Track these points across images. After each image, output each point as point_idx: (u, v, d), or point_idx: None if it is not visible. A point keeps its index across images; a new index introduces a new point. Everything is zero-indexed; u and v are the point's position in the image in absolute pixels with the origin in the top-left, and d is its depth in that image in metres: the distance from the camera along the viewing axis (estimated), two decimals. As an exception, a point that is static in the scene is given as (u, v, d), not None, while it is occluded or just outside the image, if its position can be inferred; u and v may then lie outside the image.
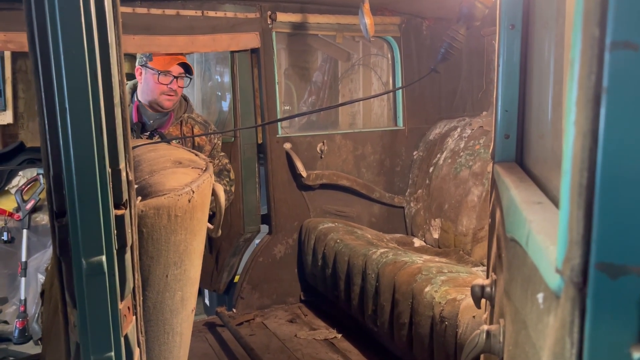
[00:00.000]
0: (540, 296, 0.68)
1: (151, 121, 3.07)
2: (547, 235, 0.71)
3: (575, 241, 0.53)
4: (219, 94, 4.50)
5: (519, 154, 1.33)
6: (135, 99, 3.10)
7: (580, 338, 0.53)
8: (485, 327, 1.05)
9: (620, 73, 0.49)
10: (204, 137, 3.22)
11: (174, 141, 3.04)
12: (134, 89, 3.14)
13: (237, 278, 3.63)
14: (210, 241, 3.49)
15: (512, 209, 0.99)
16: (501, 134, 1.34)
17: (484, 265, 2.94)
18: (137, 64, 3.09)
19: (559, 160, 1.00)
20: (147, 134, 3.06)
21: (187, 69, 3.07)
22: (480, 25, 2.97)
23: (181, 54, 3.09)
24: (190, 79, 3.14)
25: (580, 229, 0.52)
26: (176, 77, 3.02)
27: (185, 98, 3.26)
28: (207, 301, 4.41)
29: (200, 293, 4.39)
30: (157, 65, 2.99)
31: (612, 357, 0.52)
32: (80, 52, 1.00)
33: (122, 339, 1.11)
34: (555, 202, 0.90)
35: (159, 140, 2.95)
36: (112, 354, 1.08)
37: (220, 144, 3.30)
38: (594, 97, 0.50)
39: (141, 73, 3.05)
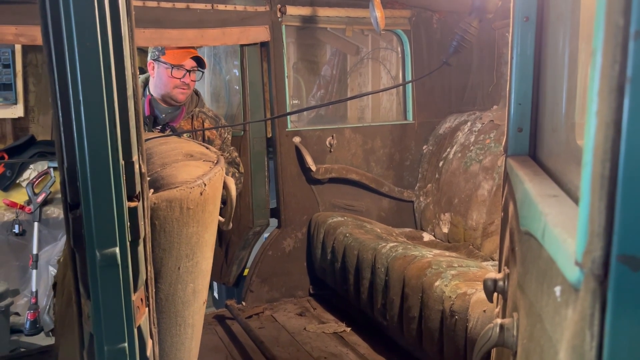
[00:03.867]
0: (557, 289, 0.68)
1: (163, 115, 3.08)
2: (564, 228, 0.71)
3: (596, 233, 0.52)
4: (237, 87, 4.51)
5: (532, 147, 1.32)
6: (147, 93, 3.11)
7: (601, 331, 0.53)
8: (499, 320, 1.05)
9: (645, 63, 0.48)
10: (214, 131, 3.22)
11: (184, 135, 3.05)
12: (145, 83, 3.15)
13: (246, 271, 3.64)
14: (220, 234, 3.50)
15: (526, 202, 0.98)
16: (514, 128, 1.33)
17: (494, 260, 2.92)
18: (149, 58, 3.10)
19: (574, 153, 0.99)
20: (159, 127, 3.07)
21: (199, 63, 3.07)
22: (492, 18, 2.94)
23: (193, 48, 3.09)
24: (203, 72, 3.15)
25: (602, 221, 0.52)
26: (189, 71, 3.03)
27: (196, 92, 3.27)
28: (216, 294, 4.43)
29: (210, 287, 4.41)
30: (170, 59, 3.00)
31: (634, 350, 0.51)
32: (94, 45, 1.00)
33: (135, 330, 1.12)
34: (570, 195, 0.90)
35: (171, 133, 2.96)
36: (126, 344, 1.09)
37: (230, 138, 3.30)
38: (618, 87, 0.49)
39: (154, 67, 3.06)
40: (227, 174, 3.12)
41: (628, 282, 0.51)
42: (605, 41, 0.50)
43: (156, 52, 3.04)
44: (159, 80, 3.05)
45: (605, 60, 0.50)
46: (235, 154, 3.30)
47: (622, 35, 0.48)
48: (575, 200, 0.84)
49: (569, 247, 0.63)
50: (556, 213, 0.79)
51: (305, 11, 3.37)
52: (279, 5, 3.27)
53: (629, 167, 0.49)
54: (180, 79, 3.01)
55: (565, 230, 0.69)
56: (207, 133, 3.21)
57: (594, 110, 0.52)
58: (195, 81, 3.10)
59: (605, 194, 0.51)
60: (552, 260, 0.73)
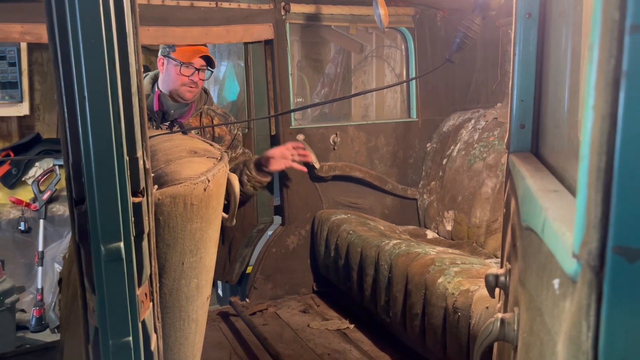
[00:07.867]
0: (556, 282, 0.68)
1: (172, 111, 3.08)
2: (563, 222, 0.71)
3: (592, 225, 0.53)
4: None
5: (535, 144, 1.33)
6: (157, 88, 3.11)
7: (597, 321, 0.53)
8: (500, 315, 1.05)
9: (640, 56, 0.48)
10: (224, 128, 3.23)
11: (192, 132, 3.05)
12: (155, 79, 3.16)
13: (249, 269, 3.65)
14: (223, 232, 3.51)
15: (527, 197, 0.99)
16: (517, 124, 1.34)
17: (497, 257, 2.93)
18: (159, 54, 3.10)
19: (576, 149, 1.00)
20: (167, 123, 3.08)
21: (209, 62, 3.08)
22: (495, 16, 2.94)
23: (203, 46, 3.10)
24: (212, 71, 3.15)
25: (598, 213, 0.52)
26: (198, 70, 3.03)
27: (205, 90, 3.27)
28: (220, 291, 4.45)
29: (214, 284, 4.42)
30: (180, 56, 3.00)
31: (629, 340, 0.52)
32: (98, 42, 1.01)
33: (140, 324, 1.13)
34: (571, 190, 0.90)
35: (175, 131, 2.97)
36: (130, 338, 1.10)
37: (240, 134, 3.31)
38: (613, 81, 0.50)
39: (163, 63, 3.06)
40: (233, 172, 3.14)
41: (624, 273, 0.51)
42: (601, 35, 0.50)
43: (166, 49, 3.04)
44: (167, 77, 3.05)
45: (602, 54, 0.51)
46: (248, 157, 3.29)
47: (617, 29, 0.49)
48: (576, 195, 0.85)
49: (567, 240, 0.64)
50: (556, 207, 0.80)
51: (309, 9, 3.38)
52: (282, 3, 3.28)
53: (624, 160, 0.50)
54: (188, 76, 3.01)
55: (564, 224, 0.70)
56: (217, 130, 3.21)
57: (590, 104, 0.53)
58: (203, 80, 3.11)
59: (602, 186, 0.52)
60: (551, 253, 0.73)
